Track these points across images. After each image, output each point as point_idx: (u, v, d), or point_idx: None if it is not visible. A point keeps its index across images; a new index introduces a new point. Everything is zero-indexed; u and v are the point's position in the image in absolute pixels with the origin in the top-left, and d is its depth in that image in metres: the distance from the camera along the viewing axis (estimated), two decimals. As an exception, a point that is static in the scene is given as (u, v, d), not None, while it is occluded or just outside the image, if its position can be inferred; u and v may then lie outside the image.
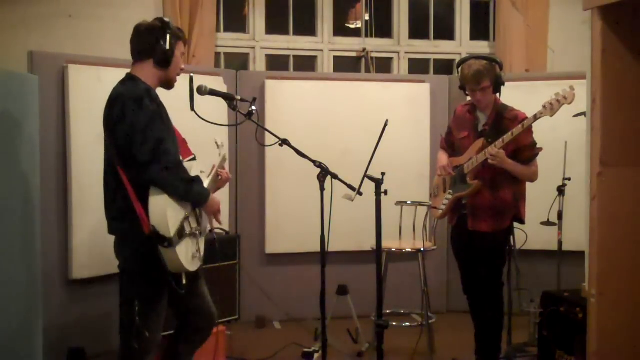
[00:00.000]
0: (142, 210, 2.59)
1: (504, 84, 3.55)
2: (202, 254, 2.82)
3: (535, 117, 3.34)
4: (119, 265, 2.80)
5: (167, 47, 2.70)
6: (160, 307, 2.76)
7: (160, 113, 2.66)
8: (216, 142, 3.17)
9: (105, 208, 2.79)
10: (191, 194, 2.66)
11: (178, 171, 2.63)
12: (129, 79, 2.75)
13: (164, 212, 2.56)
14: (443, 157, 3.79)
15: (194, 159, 3.02)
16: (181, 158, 2.86)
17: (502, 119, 3.53)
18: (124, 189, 2.64)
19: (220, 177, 3.11)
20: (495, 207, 3.55)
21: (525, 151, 3.52)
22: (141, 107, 2.58)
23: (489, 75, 3.49)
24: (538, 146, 3.57)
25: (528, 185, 3.65)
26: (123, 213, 2.68)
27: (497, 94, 3.59)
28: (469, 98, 3.68)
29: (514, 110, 3.58)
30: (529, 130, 3.46)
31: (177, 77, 2.85)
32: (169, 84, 2.84)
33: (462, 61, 3.62)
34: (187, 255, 2.67)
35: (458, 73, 3.65)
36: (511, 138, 3.39)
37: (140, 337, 2.67)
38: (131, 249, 2.71)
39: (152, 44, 2.73)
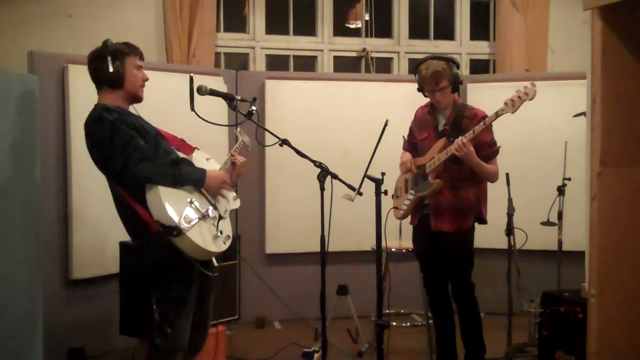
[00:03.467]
0: (144, 211, 2.60)
1: (461, 83, 3.58)
2: (228, 234, 2.77)
3: (497, 114, 3.33)
4: (141, 272, 2.79)
5: (111, 69, 2.70)
6: (188, 307, 2.75)
7: (123, 120, 2.66)
8: (235, 133, 3.15)
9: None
10: (182, 174, 2.62)
11: (157, 158, 2.63)
12: (92, 108, 2.76)
13: (161, 202, 2.54)
14: (405, 156, 3.79)
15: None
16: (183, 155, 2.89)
17: (462, 118, 3.54)
18: (124, 201, 2.68)
19: (236, 164, 3.03)
20: (457, 207, 3.55)
21: (484, 149, 3.51)
22: (102, 123, 2.63)
23: (447, 75, 3.50)
24: (499, 145, 3.56)
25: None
26: (133, 224, 2.71)
27: (456, 94, 3.60)
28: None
29: (474, 108, 3.60)
30: (488, 128, 3.46)
31: (142, 89, 2.82)
32: (135, 99, 2.83)
33: (420, 62, 3.60)
34: (205, 237, 2.63)
35: (415, 76, 3.63)
36: (474, 134, 3.35)
37: (168, 337, 2.70)
38: (149, 255, 2.71)
39: (97, 70, 2.75)
